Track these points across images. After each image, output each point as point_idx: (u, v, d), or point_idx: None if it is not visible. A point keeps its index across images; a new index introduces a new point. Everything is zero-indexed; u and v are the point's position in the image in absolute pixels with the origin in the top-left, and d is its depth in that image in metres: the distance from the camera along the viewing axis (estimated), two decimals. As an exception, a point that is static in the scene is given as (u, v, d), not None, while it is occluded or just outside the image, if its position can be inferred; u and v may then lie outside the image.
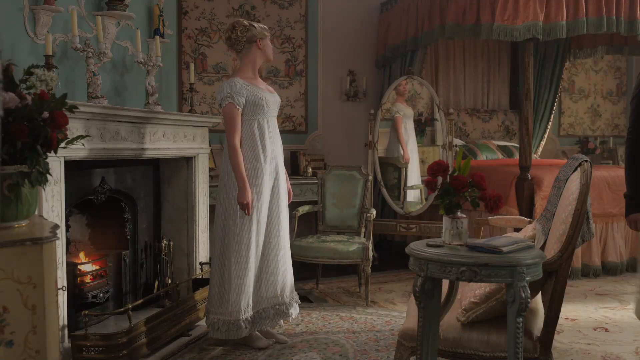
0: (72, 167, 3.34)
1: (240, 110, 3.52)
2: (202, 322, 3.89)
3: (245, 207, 3.47)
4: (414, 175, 6.20)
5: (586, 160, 2.50)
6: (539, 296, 2.67)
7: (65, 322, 3.22)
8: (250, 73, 3.66)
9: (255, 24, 3.68)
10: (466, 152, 6.80)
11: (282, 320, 3.74)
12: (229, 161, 3.52)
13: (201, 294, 4.00)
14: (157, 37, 4.40)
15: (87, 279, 3.74)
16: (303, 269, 5.16)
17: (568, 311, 4.28)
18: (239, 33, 3.63)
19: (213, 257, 3.64)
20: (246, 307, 3.53)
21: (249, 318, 3.54)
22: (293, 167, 6.28)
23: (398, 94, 6.20)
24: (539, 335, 2.45)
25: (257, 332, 3.64)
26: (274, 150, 3.67)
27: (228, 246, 3.53)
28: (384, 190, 6.18)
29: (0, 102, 1.88)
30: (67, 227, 3.43)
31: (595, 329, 3.95)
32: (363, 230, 4.96)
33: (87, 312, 3.27)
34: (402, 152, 6.18)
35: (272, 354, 3.51)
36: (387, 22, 6.66)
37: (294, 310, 3.75)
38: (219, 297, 3.54)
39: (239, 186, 3.48)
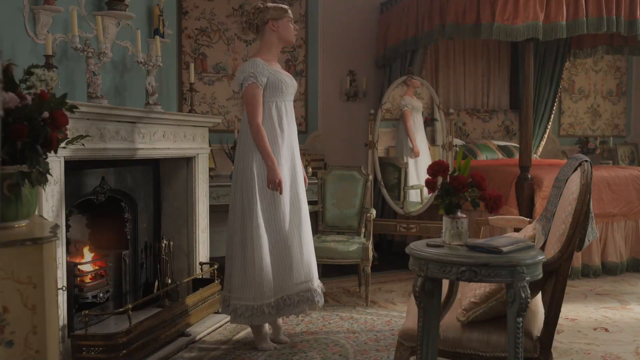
0: (72, 167, 3.34)
1: (262, 90, 3.47)
2: (202, 322, 3.90)
3: (277, 186, 3.40)
4: (422, 171, 6.15)
5: (586, 160, 2.49)
6: (539, 296, 2.67)
7: (65, 322, 3.22)
8: (269, 55, 3.60)
9: (271, 5, 3.60)
10: (466, 152, 6.80)
11: (307, 308, 3.64)
12: (254, 142, 3.44)
13: (201, 294, 4.00)
14: (157, 37, 4.39)
15: (87, 279, 3.74)
16: (303, 269, 5.16)
17: (568, 311, 4.28)
18: (251, 16, 3.61)
19: (232, 243, 3.55)
20: (270, 292, 3.45)
21: (273, 303, 3.46)
22: (293, 167, 6.28)
23: (410, 85, 6.16)
24: (539, 335, 2.45)
25: (266, 330, 3.60)
26: (291, 134, 3.63)
27: (250, 232, 3.46)
28: (384, 190, 6.18)
29: (0, 102, 1.88)
30: (67, 227, 3.43)
31: (595, 329, 3.95)
32: (363, 230, 4.96)
33: (87, 312, 3.27)
34: (411, 145, 6.16)
35: (272, 353, 3.51)
36: (387, 22, 6.66)
37: (321, 299, 3.67)
38: (241, 282, 3.46)
39: (268, 165, 3.41)
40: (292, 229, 3.58)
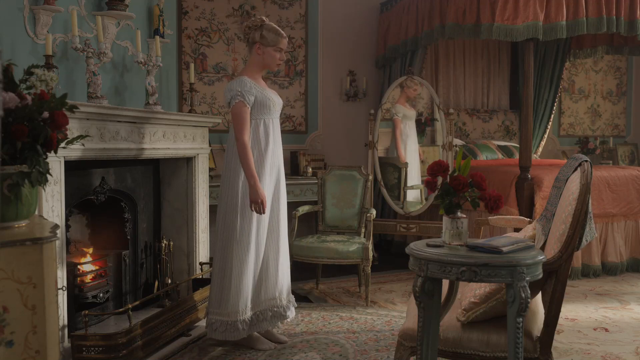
0: (72, 167, 3.34)
1: (249, 108, 3.50)
2: (202, 322, 3.89)
3: (259, 206, 3.43)
4: (414, 175, 6.19)
5: (586, 161, 2.49)
6: (539, 296, 2.67)
7: (65, 322, 3.22)
8: (255, 74, 3.62)
9: (267, 26, 3.55)
10: (466, 152, 6.80)
11: (279, 323, 3.74)
12: (239, 159, 3.47)
13: (201, 294, 4.00)
14: (157, 37, 4.39)
15: (87, 279, 3.74)
16: (303, 269, 5.16)
17: (568, 311, 4.28)
18: (247, 30, 3.61)
19: (214, 257, 3.64)
20: (244, 309, 3.51)
21: (247, 320, 3.53)
22: (293, 167, 6.28)
23: (405, 94, 6.15)
24: (539, 335, 2.45)
25: (257, 334, 3.63)
26: (276, 151, 3.66)
27: (229, 246, 3.51)
28: (384, 190, 6.18)
29: (0, 102, 1.88)
30: (67, 227, 3.43)
31: (595, 329, 3.95)
32: (363, 230, 4.96)
33: (87, 312, 3.27)
34: (396, 154, 6.20)
35: (272, 354, 3.51)
36: (387, 22, 6.66)
37: (291, 313, 3.75)
38: (218, 297, 3.54)
39: (251, 184, 3.43)
40: (271, 246, 3.64)
